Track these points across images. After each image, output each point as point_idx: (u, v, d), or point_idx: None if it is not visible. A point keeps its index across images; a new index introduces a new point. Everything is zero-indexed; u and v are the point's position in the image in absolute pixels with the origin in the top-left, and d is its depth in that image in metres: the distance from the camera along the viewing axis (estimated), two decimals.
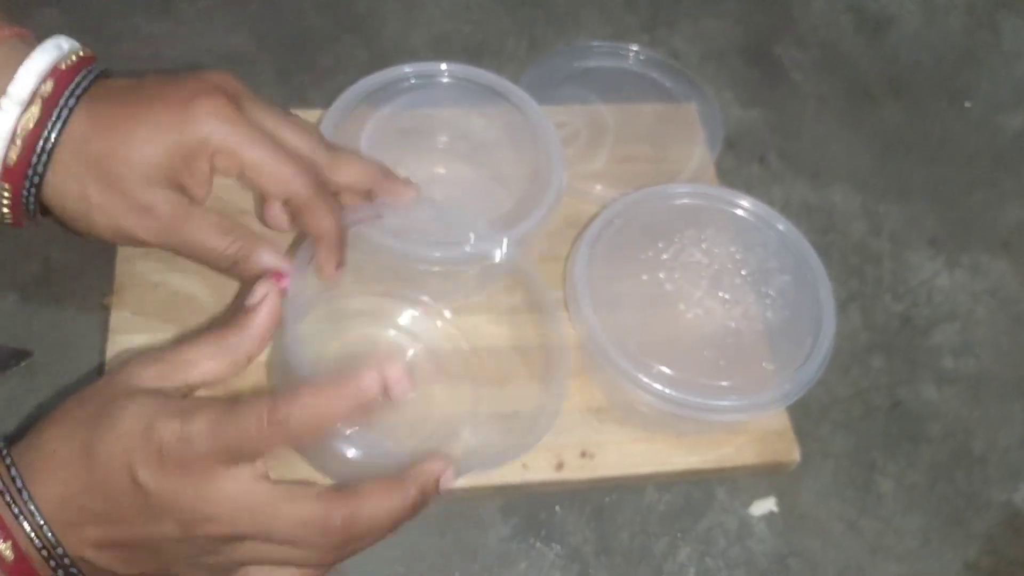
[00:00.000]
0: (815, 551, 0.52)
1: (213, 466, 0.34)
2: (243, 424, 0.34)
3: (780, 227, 0.54)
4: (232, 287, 0.54)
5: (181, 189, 0.43)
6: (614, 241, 0.53)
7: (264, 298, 0.39)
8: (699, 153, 0.62)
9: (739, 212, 0.55)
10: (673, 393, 0.47)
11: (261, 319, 0.38)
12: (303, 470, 0.45)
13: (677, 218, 0.55)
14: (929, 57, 0.76)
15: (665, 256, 0.53)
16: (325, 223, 0.44)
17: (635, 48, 0.65)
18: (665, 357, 0.49)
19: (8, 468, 0.35)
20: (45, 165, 0.40)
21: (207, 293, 0.54)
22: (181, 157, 0.41)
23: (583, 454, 0.51)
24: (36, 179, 0.40)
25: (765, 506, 0.53)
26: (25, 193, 0.41)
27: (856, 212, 0.66)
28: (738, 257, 0.54)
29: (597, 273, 0.51)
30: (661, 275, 0.53)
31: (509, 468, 0.50)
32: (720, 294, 0.52)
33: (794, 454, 0.53)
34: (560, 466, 0.51)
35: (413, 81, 0.57)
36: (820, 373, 0.49)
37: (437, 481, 0.38)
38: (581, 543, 0.51)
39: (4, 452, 0.36)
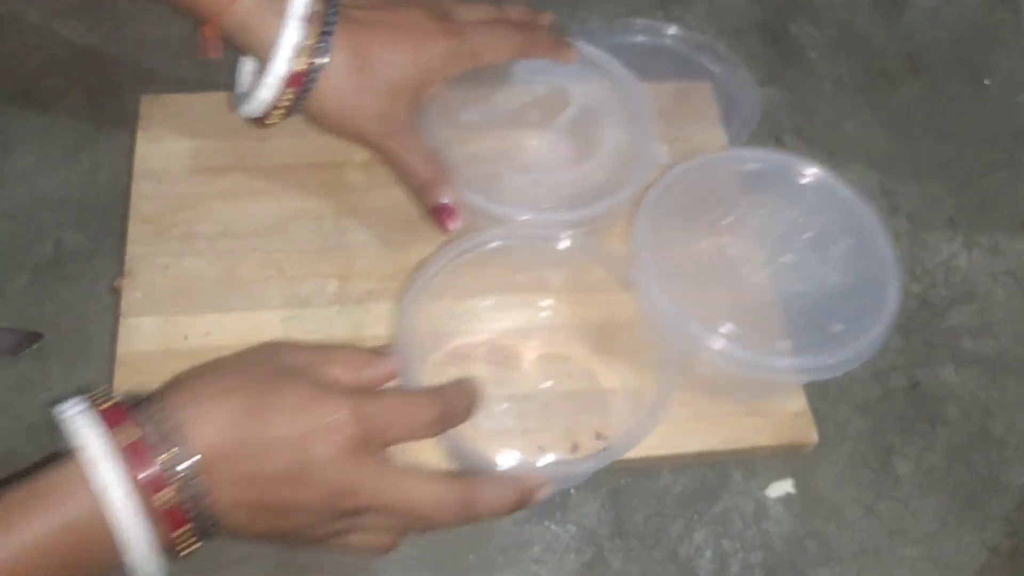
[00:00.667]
0: (832, 533, 0.52)
1: (372, 448, 0.39)
2: (417, 415, 0.41)
3: (842, 191, 0.53)
4: (242, 269, 0.54)
5: (415, 106, 0.51)
6: (675, 206, 0.52)
7: (392, 360, 0.45)
8: (715, 134, 0.61)
9: (800, 179, 0.54)
10: (741, 353, 0.47)
11: (385, 365, 0.44)
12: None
13: (738, 183, 0.54)
14: (947, 35, 0.75)
15: (727, 221, 0.53)
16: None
17: (656, 24, 0.64)
18: (731, 317, 0.48)
19: (167, 419, 0.36)
20: (319, 72, 0.47)
21: (217, 275, 0.54)
22: (426, 76, 0.51)
23: (598, 436, 0.51)
24: (311, 84, 0.48)
25: (782, 488, 0.53)
26: (299, 95, 0.48)
27: (873, 192, 0.65)
28: (800, 221, 0.53)
29: (659, 237, 0.50)
30: (723, 239, 0.52)
31: (525, 450, 0.50)
32: (783, 259, 0.52)
33: (811, 435, 0.52)
34: (575, 448, 0.50)
35: None
36: (888, 335, 0.48)
37: (534, 491, 0.43)
38: (596, 525, 0.51)
39: (161, 402, 0.37)
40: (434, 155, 0.51)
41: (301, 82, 0.47)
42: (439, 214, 0.51)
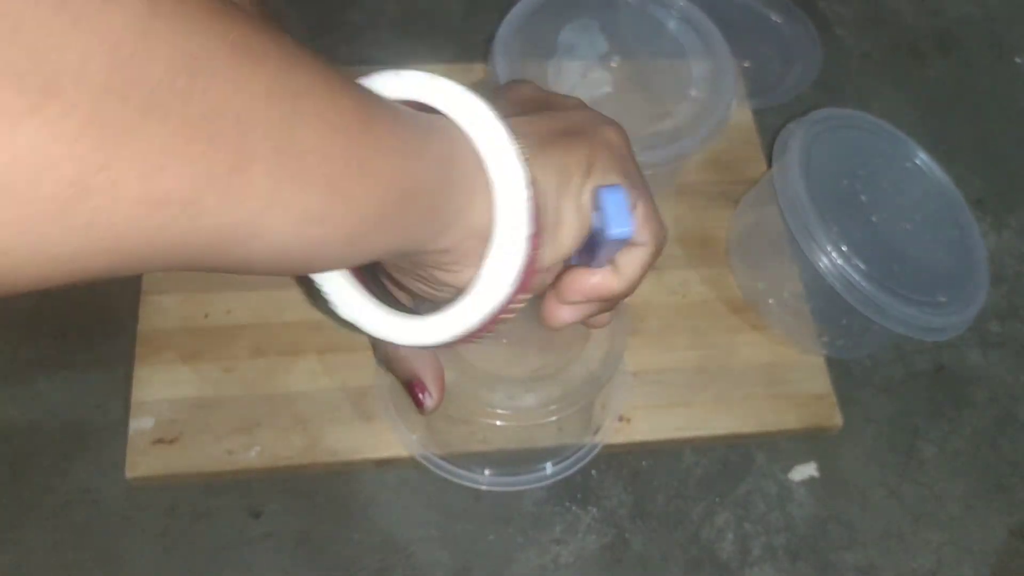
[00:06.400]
0: (856, 517, 0.52)
1: None
2: None
3: (950, 185, 0.55)
4: None
5: None
6: (819, 149, 0.53)
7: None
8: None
9: (913, 159, 0.56)
10: (863, 280, 0.47)
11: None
12: None
13: (873, 146, 0.55)
14: (978, 11, 0.74)
15: (862, 172, 0.53)
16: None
17: None
18: (860, 251, 0.49)
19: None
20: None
21: None
22: None
23: (620, 418, 0.50)
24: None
25: (805, 471, 0.52)
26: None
27: None
28: (912, 200, 0.54)
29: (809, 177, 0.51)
30: (857, 186, 0.53)
31: (545, 432, 0.50)
32: (906, 225, 0.52)
33: (836, 419, 0.52)
34: (597, 430, 0.50)
35: None
36: (979, 308, 0.50)
37: None
38: (617, 507, 0.50)
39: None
40: None
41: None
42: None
